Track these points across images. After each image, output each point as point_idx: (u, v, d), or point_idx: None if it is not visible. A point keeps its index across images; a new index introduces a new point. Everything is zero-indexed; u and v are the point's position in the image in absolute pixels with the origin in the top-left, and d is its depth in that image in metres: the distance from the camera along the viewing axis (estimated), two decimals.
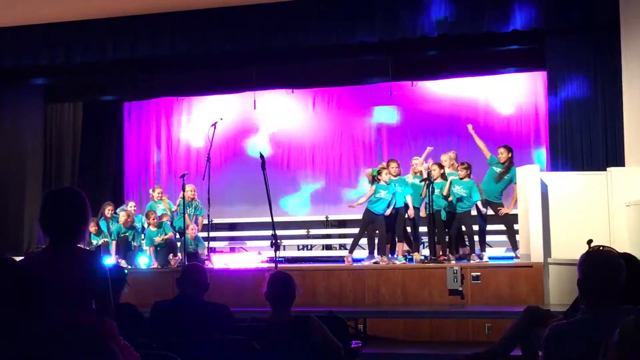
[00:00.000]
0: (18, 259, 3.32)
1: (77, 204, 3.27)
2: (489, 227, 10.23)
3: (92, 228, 10.87)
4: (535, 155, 12.90)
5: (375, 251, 9.88)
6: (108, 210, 11.20)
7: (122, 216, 10.89)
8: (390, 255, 9.83)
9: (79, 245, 3.29)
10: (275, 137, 14.36)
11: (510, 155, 9.87)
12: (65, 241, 3.21)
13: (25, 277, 2.74)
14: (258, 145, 13.89)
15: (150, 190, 12.08)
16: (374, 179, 9.97)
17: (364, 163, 13.92)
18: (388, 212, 9.88)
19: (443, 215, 9.85)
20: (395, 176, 9.96)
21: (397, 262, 9.58)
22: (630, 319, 2.36)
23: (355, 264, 9.75)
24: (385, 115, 13.87)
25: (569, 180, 9.07)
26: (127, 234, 10.79)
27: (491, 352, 4.87)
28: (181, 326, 4.42)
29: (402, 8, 10.31)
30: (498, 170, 9.83)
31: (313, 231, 13.15)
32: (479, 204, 9.77)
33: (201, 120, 14.23)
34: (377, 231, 9.93)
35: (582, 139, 9.94)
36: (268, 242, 9.92)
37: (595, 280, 3.02)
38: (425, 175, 10.00)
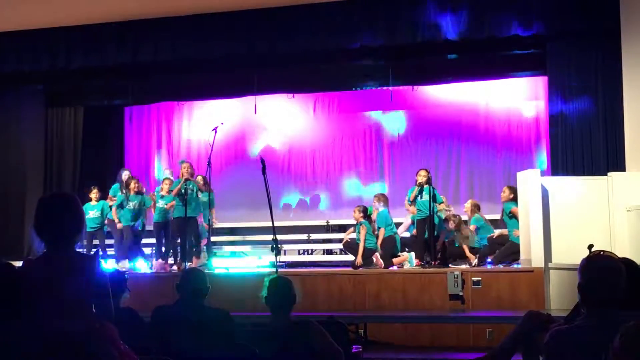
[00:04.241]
0: (18, 264, 3.33)
1: (71, 209, 3.27)
2: None
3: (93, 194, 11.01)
4: (536, 159, 12.89)
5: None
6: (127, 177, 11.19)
7: (184, 167, 10.52)
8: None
9: (76, 249, 3.29)
10: (275, 142, 14.36)
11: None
12: (62, 246, 3.21)
13: (17, 280, 2.73)
14: (259, 150, 13.91)
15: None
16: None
17: (365, 168, 13.93)
18: None
19: (436, 219, 9.86)
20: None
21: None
22: (630, 325, 2.36)
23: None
24: (386, 120, 13.87)
25: (570, 185, 9.06)
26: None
27: (492, 357, 4.86)
28: (181, 331, 4.41)
29: (404, 13, 10.32)
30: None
31: (314, 236, 13.15)
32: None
33: (202, 124, 14.23)
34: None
35: (583, 144, 9.94)
36: (269, 247, 9.90)
37: (595, 285, 3.02)
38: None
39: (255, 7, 10.70)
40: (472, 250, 9.96)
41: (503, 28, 10.04)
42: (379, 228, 10.08)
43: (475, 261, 9.79)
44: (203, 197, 10.58)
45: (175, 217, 10.37)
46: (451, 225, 10.13)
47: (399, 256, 10.11)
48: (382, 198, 10.35)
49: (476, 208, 10.39)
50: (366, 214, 10.04)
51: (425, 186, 9.84)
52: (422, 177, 9.92)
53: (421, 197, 9.92)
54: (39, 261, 3.24)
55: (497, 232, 10.09)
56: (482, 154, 13.22)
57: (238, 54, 11.10)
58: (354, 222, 10.26)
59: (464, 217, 10.48)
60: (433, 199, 9.79)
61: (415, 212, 10.14)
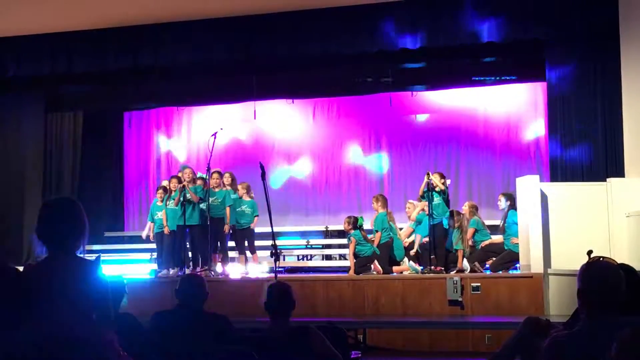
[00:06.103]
0: (18, 269, 3.32)
1: (73, 214, 3.27)
2: None
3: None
4: (535, 165, 12.89)
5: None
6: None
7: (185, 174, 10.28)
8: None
9: (77, 254, 3.29)
10: (275, 147, 14.37)
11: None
12: (63, 251, 3.21)
13: (23, 283, 2.74)
14: (258, 156, 13.90)
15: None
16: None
17: (364, 172, 13.94)
18: None
19: (445, 223, 9.83)
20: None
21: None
22: (628, 331, 2.36)
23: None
24: (385, 125, 13.88)
25: (569, 191, 9.07)
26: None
27: None
28: (181, 336, 4.41)
29: (402, 19, 10.34)
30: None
31: (313, 241, 13.13)
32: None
33: (201, 130, 14.24)
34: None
35: (581, 150, 9.94)
36: (268, 252, 9.88)
37: (594, 291, 3.02)
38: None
39: (254, 12, 10.73)
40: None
41: (501, 33, 10.05)
42: (375, 231, 10.02)
43: (467, 268, 9.64)
44: (218, 197, 10.38)
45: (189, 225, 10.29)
46: (456, 223, 9.87)
47: (399, 263, 10.05)
48: (381, 199, 10.26)
49: (474, 209, 10.23)
50: (356, 225, 9.93)
51: (435, 192, 9.79)
52: (436, 179, 9.86)
53: (433, 201, 9.79)
54: (40, 266, 3.24)
55: (488, 240, 9.98)
56: (481, 159, 13.24)
57: (237, 59, 11.12)
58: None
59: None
60: (446, 204, 9.86)
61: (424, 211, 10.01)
